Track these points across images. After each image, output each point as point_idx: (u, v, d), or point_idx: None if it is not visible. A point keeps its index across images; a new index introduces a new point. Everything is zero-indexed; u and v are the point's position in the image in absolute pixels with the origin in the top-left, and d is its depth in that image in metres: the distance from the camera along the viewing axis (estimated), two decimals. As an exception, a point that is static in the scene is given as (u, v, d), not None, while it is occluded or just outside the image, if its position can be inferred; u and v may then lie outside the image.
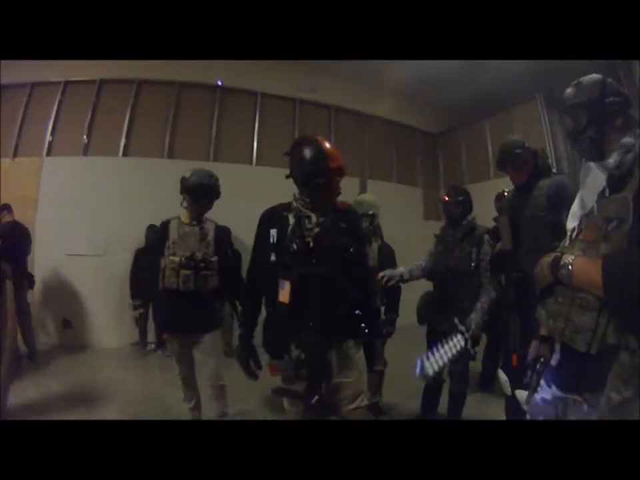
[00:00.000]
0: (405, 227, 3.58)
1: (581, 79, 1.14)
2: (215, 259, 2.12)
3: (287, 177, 1.46)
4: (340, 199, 1.53)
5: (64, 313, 4.22)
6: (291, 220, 1.42)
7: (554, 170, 2.04)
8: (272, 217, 1.48)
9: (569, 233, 1.12)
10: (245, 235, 4.45)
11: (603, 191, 1.00)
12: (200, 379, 2.23)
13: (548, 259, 1.06)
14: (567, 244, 1.10)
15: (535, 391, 1.16)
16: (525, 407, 1.24)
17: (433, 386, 2.43)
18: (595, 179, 1.07)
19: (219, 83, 4.94)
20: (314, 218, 1.41)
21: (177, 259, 2.04)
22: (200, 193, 2.10)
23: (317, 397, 1.33)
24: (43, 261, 4.13)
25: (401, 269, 2.37)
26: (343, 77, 5.14)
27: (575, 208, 1.15)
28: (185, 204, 2.14)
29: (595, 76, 1.12)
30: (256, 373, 1.48)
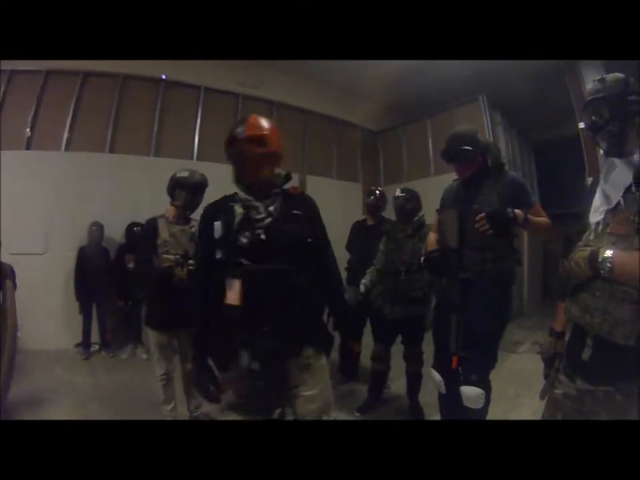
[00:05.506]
0: (345, 223, 3.74)
1: (604, 76, 1.17)
2: None
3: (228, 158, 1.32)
4: (290, 185, 1.37)
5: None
6: (238, 211, 1.24)
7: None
8: (215, 209, 1.31)
9: (592, 227, 1.12)
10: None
11: (629, 187, 1.02)
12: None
13: (583, 253, 1.05)
14: (591, 237, 1.10)
15: (551, 386, 1.18)
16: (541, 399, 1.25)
17: (380, 371, 2.65)
18: (620, 174, 1.08)
19: (163, 77, 4.85)
20: (262, 207, 1.25)
21: (171, 257, 2.08)
22: (199, 191, 2.22)
23: (279, 410, 1.20)
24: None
25: (362, 282, 2.59)
26: (286, 73, 5.20)
27: (598, 203, 1.15)
28: (177, 202, 2.20)
29: (619, 74, 1.16)
30: (217, 397, 1.27)
